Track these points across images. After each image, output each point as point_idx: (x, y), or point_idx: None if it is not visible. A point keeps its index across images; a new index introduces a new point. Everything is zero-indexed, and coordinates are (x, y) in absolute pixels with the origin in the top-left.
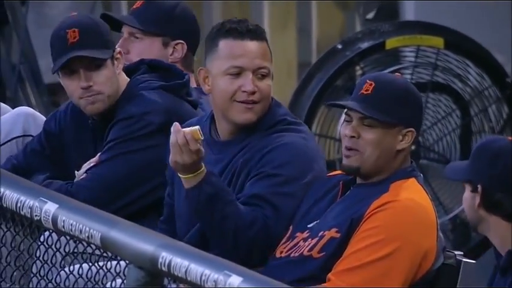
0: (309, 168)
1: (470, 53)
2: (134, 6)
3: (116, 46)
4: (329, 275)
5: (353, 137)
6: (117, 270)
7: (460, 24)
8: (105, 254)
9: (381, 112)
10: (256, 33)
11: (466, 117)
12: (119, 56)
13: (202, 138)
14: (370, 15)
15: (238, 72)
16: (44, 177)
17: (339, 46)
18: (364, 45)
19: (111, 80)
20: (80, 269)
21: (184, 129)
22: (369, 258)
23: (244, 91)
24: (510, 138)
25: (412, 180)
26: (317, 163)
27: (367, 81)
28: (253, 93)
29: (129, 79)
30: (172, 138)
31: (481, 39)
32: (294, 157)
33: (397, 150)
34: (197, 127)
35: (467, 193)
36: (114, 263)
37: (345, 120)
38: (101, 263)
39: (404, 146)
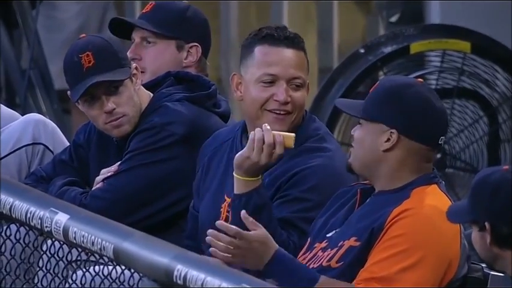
0: (330, 194)
1: (499, 57)
2: (144, 10)
3: (127, 53)
4: (354, 282)
5: (352, 135)
6: (131, 283)
7: (489, 27)
8: (118, 267)
9: (363, 110)
10: (294, 42)
11: (493, 124)
12: (135, 71)
13: (292, 147)
14: (394, 18)
15: (271, 81)
16: (61, 184)
17: (362, 50)
18: (388, 49)
19: (133, 99)
20: (92, 282)
21: (277, 132)
22: (393, 269)
23: (277, 100)
24: (505, 167)
25: (434, 186)
26: (339, 188)
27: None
28: (285, 103)
29: (151, 94)
30: (258, 134)
31: (510, 43)
32: (323, 181)
33: (382, 151)
34: (293, 134)
35: (475, 233)
36: (128, 275)
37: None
38: (113, 276)
39: (387, 147)
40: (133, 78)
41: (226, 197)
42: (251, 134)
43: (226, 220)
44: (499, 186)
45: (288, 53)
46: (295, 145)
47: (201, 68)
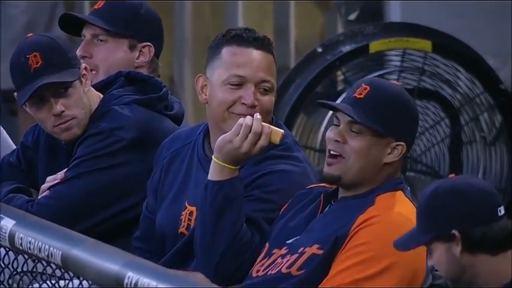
0: None
1: (461, 57)
2: (96, 6)
3: (77, 51)
4: None
5: (338, 141)
6: None
7: (450, 26)
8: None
9: (372, 119)
10: (263, 44)
11: (455, 126)
12: (85, 72)
13: (277, 144)
14: (353, 16)
15: (239, 83)
16: (6, 191)
17: (319, 49)
18: (346, 48)
19: (82, 101)
20: None
21: (267, 124)
22: (355, 277)
23: (244, 103)
24: (450, 176)
25: (399, 193)
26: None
27: (363, 84)
28: (253, 106)
29: (101, 95)
30: (247, 120)
31: (472, 43)
32: (287, 186)
33: (384, 163)
34: (282, 131)
35: (438, 251)
36: (77, 283)
37: (333, 124)
38: (62, 283)
39: (392, 160)
40: (82, 79)
41: (187, 205)
42: (240, 119)
43: (186, 229)
44: (459, 189)
45: (258, 55)
46: (261, 152)
47: (153, 68)
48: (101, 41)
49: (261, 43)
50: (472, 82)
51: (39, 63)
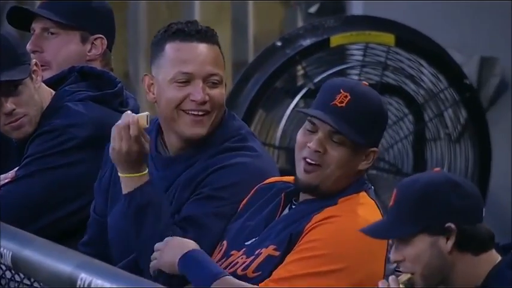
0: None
1: (424, 51)
2: None
3: (27, 46)
4: (260, 284)
5: (318, 151)
6: None
7: (413, 20)
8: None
9: (356, 131)
10: (207, 36)
11: (419, 122)
12: (35, 68)
13: (147, 126)
14: (313, 9)
15: (186, 80)
16: None
17: (279, 43)
18: (307, 42)
19: (34, 98)
20: None
21: (131, 113)
22: (301, 272)
23: (193, 100)
24: (437, 169)
25: (363, 194)
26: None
27: (342, 91)
28: (203, 103)
29: (53, 91)
30: (118, 121)
31: (436, 37)
32: (240, 180)
33: (359, 169)
34: (146, 113)
35: (421, 244)
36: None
37: (306, 129)
38: (12, 285)
39: (366, 167)
40: (33, 75)
41: None
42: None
43: None
44: (458, 183)
45: (202, 49)
46: (216, 144)
47: (106, 61)
48: (52, 34)
49: (205, 35)
50: (436, 77)
51: None
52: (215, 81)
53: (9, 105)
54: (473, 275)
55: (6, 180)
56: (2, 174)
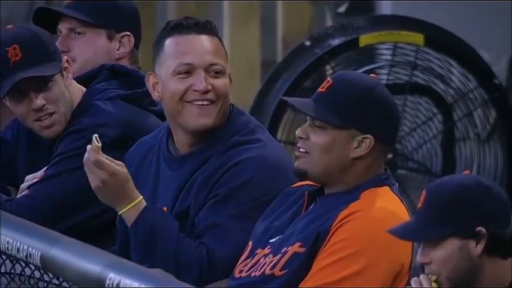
0: (268, 187)
1: (454, 51)
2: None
3: None
4: None
5: (301, 138)
6: None
7: (442, 19)
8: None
9: (333, 114)
10: (206, 27)
11: (448, 122)
12: (67, 65)
13: (99, 145)
14: (342, 9)
15: (188, 71)
16: None
17: (308, 43)
18: (335, 42)
19: (64, 94)
20: None
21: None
22: (337, 276)
23: (196, 90)
24: (466, 172)
25: (385, 188)
26: (278, 179)
27: (328, 79)
28: (206, 92)
29: (84, 88)
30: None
31: (466, 36)
32: (253, 175)
33: (352, 158)
34: (94, 135)
35: (450, 247)
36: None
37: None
38: (41, 285)
39: (360, 154)
40: (64, 72)
41: (158, 205)
42: None
43: None
44: (490, 187)
45: (201, 39)
46: (224, 140)
47: (134, 59)
48: (79, 33)
49: (203, 27)
50: (466, 77)
51: (18, 57)
52: (217, 71)
53: (39, 101)
54: (501, 277)
55: (35, 180)
56: (33, 173)
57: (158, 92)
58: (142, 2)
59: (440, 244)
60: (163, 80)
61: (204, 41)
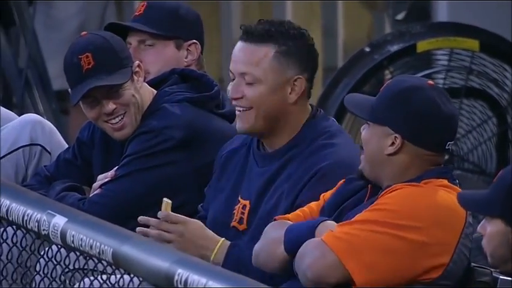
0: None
1: (508, 56)
2: (137, 13)
3: None
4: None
5: (360, 133)
6: None
7: (498, 26)
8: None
9: (370, 111)
10: (254, 35)
11: (502, 124)
12: (138, 69)
13: (169, 202)
14: (400, 16)
15: (233, 78)
16: (60, 189)
17: (367, 49)
18: (394, 48)
19: (134, 98)
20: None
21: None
22: (383, 219)
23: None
24: None
25: (444, 180)
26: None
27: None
28: (234, 98)
29: (155, 91)
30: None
31: None
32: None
33: (386, 154)
34: (166, 201)
35: (496, 228)
36: (127, 279)
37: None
38: (112, 280)
39: (391, 151)
40: (135, 76)
41: (240, 199)
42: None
43: (238, 222)
44: None
45: (241, 48)
46: (306, 142)
47: (200, 65)
48: (149, 45)
49: (251, 35)
50: None
51: (91, 64)
52: (249, 81)
53: (110, 106)
54: None
55: (107, 179)
56: (107, 171)
57: None
58: (206, 8)
59: (491, 221)
60: None
61: (243, 48)
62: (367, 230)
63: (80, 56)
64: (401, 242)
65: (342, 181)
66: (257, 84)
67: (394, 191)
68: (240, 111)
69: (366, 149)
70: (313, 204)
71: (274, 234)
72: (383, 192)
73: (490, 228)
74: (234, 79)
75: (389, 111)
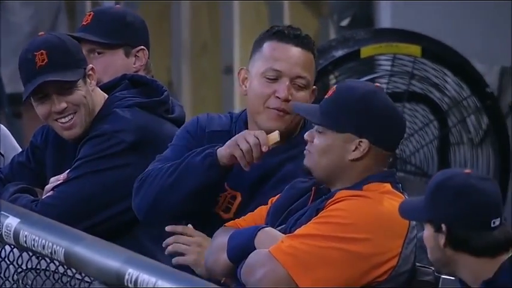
0: None
1: (449, 61)
2: (84, 22)
3: None
4: (287, 234)
5: (308, 140)
6: (82, 287)
7: (439, 33)
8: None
9: (331, 120)
10: (304, 42)
11: (444, 128)
12: (91, 72)
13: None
14: (345, 22)
15: (275, 77)
16: (13, 190)
17: None
18: (338, 53)
19: (86, 99)
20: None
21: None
22: (331, 233)
23: (278, 97)
24: (467, 171)
25: (388, 185)
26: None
27: (333, 86)
28: (286, 100)
29: (106, 95)
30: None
31: (460, 48)
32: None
33: (350, 160)
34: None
35: (428, 232)
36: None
37: None
38: (64, 280)
39: (356, 156)
40: (88, 79)
41: (227, 187)
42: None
43: (224, 211)
44: (462, 190)
45: (296, 51)
46: (296, 146)
47: (148, 69)
48: (98, 53)
49: (301, 41)
50: (460, 86)
51: (44, 61)
52: (301, 84)
53: (60, 104)
54: (478, 272)
55: (59, 182)
56: (59, 174)
57: (245, 87)
58: (156, 15)
59: (426, 226)
60: (252, 77)
61: (298, 53)
62: (316, 245)
63: (34, 53)
64: (349, 255)
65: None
66: (307, 90)
67: (339, 201)
68: (283, 114)
69: (322, 157)
70: (263, 207)
71: (220, 240)
72: (329, 202)
73: (425, 233)
74: (275, 78)
75: (353, 118)
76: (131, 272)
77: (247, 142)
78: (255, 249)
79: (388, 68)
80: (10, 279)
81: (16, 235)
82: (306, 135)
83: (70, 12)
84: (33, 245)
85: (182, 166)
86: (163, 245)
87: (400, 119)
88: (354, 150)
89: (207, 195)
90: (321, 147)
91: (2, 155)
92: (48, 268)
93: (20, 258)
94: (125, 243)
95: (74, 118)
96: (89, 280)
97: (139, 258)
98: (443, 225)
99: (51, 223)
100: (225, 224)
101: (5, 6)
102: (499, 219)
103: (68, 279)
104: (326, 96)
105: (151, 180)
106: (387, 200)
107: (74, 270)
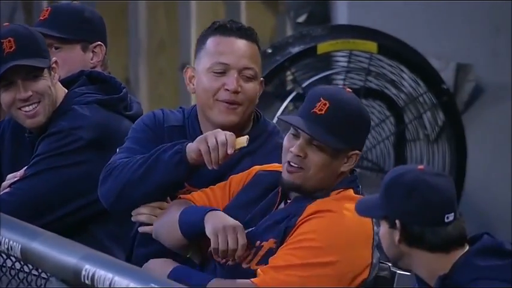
0: None
1: (405, 58)
2: (42, 17)
3: None
4: (258, 270)
5: (299, 156)
6: (39, 284)
7: (394, 29)
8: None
9: (334, 137)
10: (247, 33)
11: (400, 124)
12: (54, 65)
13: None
14: (301, 19)
15: (223, 70)
16: None
17: (269, 50)
18: (295, 49)
19: (50, 89)
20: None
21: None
22: (302, 261)
23: (227, 89)
24: (420, 167)
25: (351, 190)
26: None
27: (321, 99)
28: (235, 92)
29: (66, 90)
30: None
31: (416, 44)
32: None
33: (341, 171)
34: (246, 137)
35: (384, 229)
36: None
37: (291, 134)
38: (21, 276)
39: (348, 168)
40: (52, 71)
41: (186, 184)
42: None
43: None
44: (414, 186)
45: (241, 44)
46: (257, 141)
47: (105, 65)
48: (56, 48)
49: (245, 32)
50: (416, 82)
51: (12, 48)
52: (249, 76)
53: (26, 92)
54: (433, 267)
55: (16, 178)
56: (16, 170)
57: (193, 85)
58: (114, 12)
59: (381, 223)
60: (199, 74)
61: (243, 45)
62: (297, 275)
63: (2, 40)
64: (328, 279)
65: (252, 172)
66: (255, 81)
67: (308, 220)
68: (234, 105)
69: (319, 172)
70: (219, 186)
71: (175, 214)
72: (299, 220)
73: (381, 230)
74: (222, 72)
75: (353, 134)
76: (88, 268)
77: (216, 140)
78: (204, 228)
79: (345, 64)
80: None
81: None
82: (299, 151)
83: (27, 9)
84: None
85: (151, 160)
86: (133, 213)
87: (369, 119)
88: (345, 163)
89: (170, 191)
90: (322, 163)
91: None
92: (4, 264)
93: None
94: (82, 240)
95: (38, 107)
96: (45, 276)
97: (96, 254)
98: (397, 222)
99: (8, 219)
100: (179, 196)
101: None
102: (453, 214)
103: (25, 275)
104: (320, 111)
105: (119, 171)
106: (350, 209)
107: (30, 267)
